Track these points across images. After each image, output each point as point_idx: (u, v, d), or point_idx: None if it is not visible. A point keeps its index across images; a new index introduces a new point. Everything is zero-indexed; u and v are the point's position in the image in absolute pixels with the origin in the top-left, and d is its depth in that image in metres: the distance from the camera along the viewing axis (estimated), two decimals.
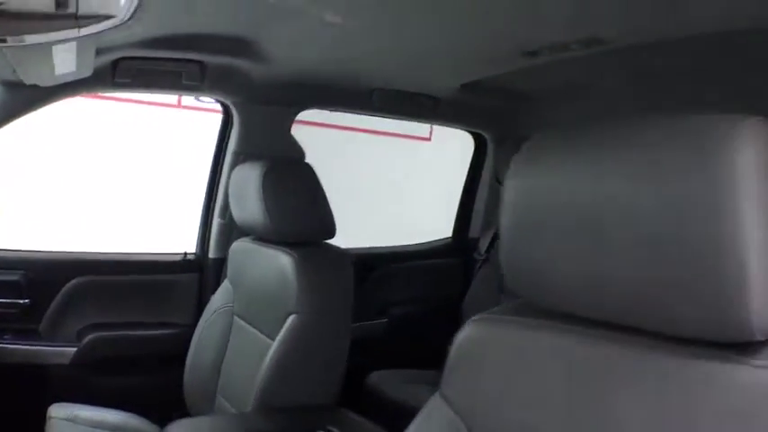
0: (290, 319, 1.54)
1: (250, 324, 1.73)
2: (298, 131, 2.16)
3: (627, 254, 0.61)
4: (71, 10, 0.96)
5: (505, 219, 0.73)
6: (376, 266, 2.49)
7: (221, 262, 2.05)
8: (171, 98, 4.59)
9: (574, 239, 0.65)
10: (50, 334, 1.91)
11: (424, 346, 2.18)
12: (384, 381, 2.27)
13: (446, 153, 3.72)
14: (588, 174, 0.65)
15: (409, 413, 0.85)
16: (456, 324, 0.82)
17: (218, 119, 2.14)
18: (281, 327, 1.55)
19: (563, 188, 0.67)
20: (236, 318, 1.80)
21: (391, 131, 4.99)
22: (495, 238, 2.49)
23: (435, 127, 4.31)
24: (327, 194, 1.72)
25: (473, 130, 2.67)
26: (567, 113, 2.21)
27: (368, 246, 2.58)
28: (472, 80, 1.98)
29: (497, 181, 2.60)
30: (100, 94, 3.06)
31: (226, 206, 2.02)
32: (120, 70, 1.70)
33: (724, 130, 0.57)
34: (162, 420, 1.58)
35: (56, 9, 0.94)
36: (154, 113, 4.68)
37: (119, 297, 2.01)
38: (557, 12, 1.22)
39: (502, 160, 2.54)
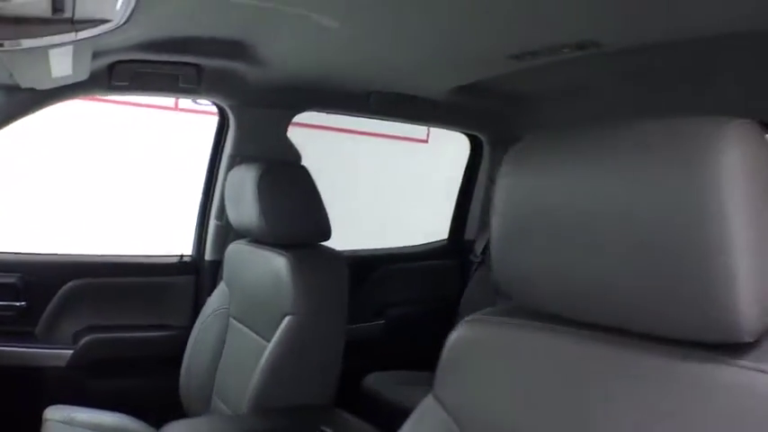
0: (286, 320, 1.55)
1: (246, 326, 1.73)
2: (295, 134, 2.17)
3: (616, 255, 0.61)
4: (67, 14, 0.96)
5: (495, 220, 0.73)
6: (373, 268, 2.49)
7: (217, 264, 2.06)
8: (168, 101, 4.60)
9: (563, 241, 0.65)
10: (47, 336, 1.91)
11: (421, 348, 2.18)
12: (381, 382, 2.27)
13: (444, 155, 3.73)
14: (576, 176, 0.65)
15: (405, 414, 0.85)
16: (453, 326, 0.83)
17: (214, 121, 2.14)
18: (277, 328, 1.55)
19: (551, 190, 0.67)
20: (232, 320, 1.80)
21: (389, 134, 5.01)
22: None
23: (433, 129, 4.32)
24: (324, 197, 1.73)
25: (469, 132, 2.68)
26: (563, 115, 2.22)
27: (365, 248, 2.59)
28: (468, 82, 1.98)
29: (493, 183, 2.60)
30: (97, 97, 3.06)
31: (222, 208, 2.02)
32: (117, 73, 1.71)
33: (710, 132, 0.57)
34: (158, 422, 1.57)
35: (52, 13, 0.95)
36: (151, 116, 4.69)
37: (115, 299, 2.01)
38: (552, 14, 1.22)
39: (498, 162, 2.53)
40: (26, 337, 1.88)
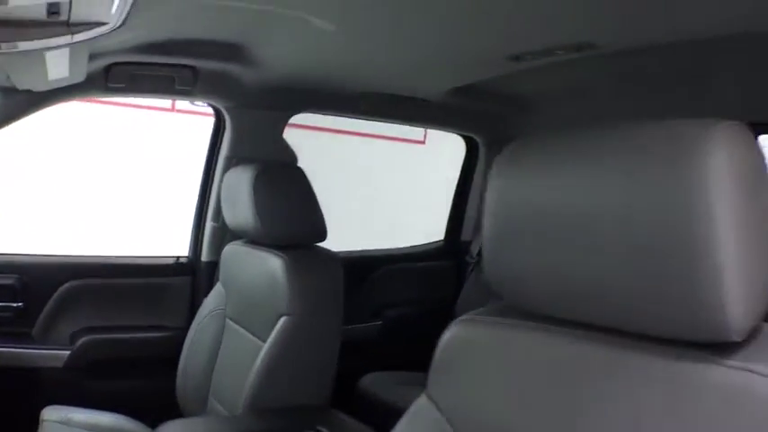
0: (281, 321, 1.55)
1: (242, 326, 1.74)
2: (291, 135, 2.17)
3: (607, 256, 0.62)
4: (63, 17, 0.97)
5: (487, 220, 0.74)
6: (369, 269, 2.50)
7: (214, 265, 2.06)
8: (165, 102, 4.59)
9: (555, 242, 0.66)
10: (44, 337, 1.91)
11: (417, 349, 2.18)
12: (377, 383, 2.28)
13: (441, 156, 3.73)
14: (566, 177, 0.66)
15: (401, 415, 0.85)
16: None
17: (211, 123, 2.15)
18: (273, 329, 1.56)
19: (542, 191, 0.67)
20: (228, 320, 1.81)
21: (386, 135, 5.00)
22: None
23: (430, 130, 4.32)
24: (321, 198, 1.73)
25: (465, 134, 2.68)
26: (559, 117, 2.22)
27: (362, 249, 2.59)
28: (464, 84, 1.98)
29: None
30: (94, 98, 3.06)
31: (218, 210, 2.02)
32: (113, 75, 1.71)
33: (697, 133, 0.58)
34: (155, 423, 1.58)
35: (48, 16, 0.95)
36: (148, 117, 4.68)
37: (112, 300, 2.01)
38: (549, 16, 1.22)
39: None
40: (23, 338, 1.88)
